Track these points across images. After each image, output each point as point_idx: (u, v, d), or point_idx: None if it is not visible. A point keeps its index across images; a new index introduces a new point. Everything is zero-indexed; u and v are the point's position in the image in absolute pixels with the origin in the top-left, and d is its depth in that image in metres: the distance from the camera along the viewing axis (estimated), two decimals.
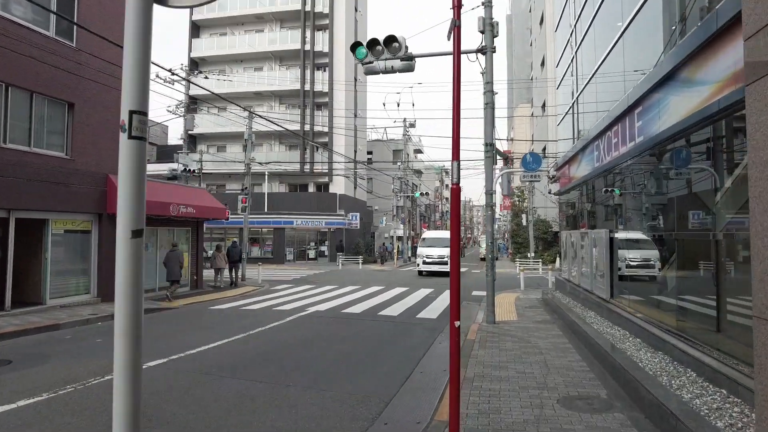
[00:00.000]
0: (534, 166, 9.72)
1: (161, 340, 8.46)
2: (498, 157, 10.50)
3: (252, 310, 12.20)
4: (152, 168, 36.10)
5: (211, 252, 19.26)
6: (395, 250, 36.75)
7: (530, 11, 45.09)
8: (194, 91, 34.60)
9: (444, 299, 14.63)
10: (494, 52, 10.31)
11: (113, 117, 13.42)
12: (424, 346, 8.11)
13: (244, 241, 20.97)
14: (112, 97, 13.27)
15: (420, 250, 24.37)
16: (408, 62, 10.48)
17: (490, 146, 10.09)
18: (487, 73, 10.30)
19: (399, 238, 41.09)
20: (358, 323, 10.35)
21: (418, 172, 64.72)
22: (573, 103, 12.53)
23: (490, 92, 10.23)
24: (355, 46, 9.54)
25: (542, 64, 36.00)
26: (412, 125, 38.29)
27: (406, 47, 10.12)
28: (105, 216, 13.19)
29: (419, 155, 66.43)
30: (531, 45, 44.11)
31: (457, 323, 3.76)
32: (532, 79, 42.54)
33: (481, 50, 10.34)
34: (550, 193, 24.48)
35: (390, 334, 9.19)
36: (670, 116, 6.06)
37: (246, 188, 20.69)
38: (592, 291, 10.15)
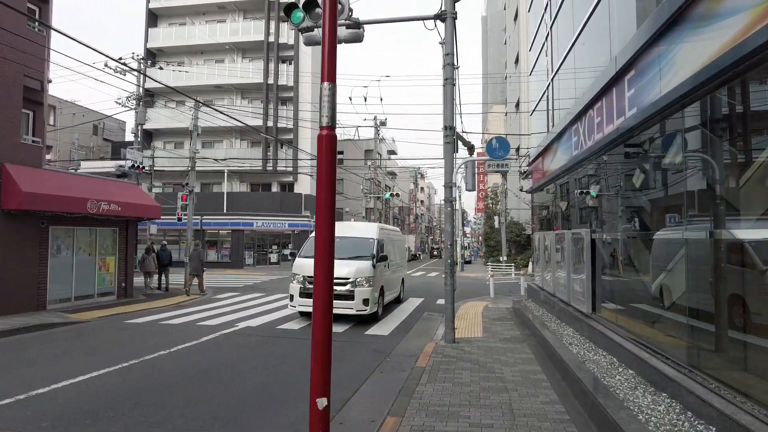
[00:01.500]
0: (501, 153, 8.08)
1: (20, 369, 6.49)
2: (461, 144, 8.84)
3: (172, 326, 10.24)
4: (98, 165, 33.61)
5: (141, 255, 17.15)
6: None
7: (505, 9, 44.10)
8: (151, 84, 32.27)
9: (405, 309, 12.91)
10: (455, 18, 8.67)
11: (5, 97, 11.31)
12: (360, 377, 6.34)
13: (188, 244, 18.84)
14: (4, 74, 11.17)
15: (298, 263, 10.88)
16: (355, 31, 8.78)
17: (449, 130, 8.41)
18: (447, 44, 8.64)
19: None
20: (289, 343, 8.52)
21: (392, 174, 63.16)
22: (548, 86, 10.99)
23: (450, 66, 8.56)
24: (290, 9, 7.77)
25: (516, 61, 34.82)
26: (383, 123, 36.62)
27: (351, 10, 8.42)
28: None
29: (393, 157, 64.89)
30: (505, 43, 43.06)
31: (321, 403, 2.00)
32: (506, 77, 41.43)
33: (439, 16, 8.68)
34: (521, 190, 23.04)
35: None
36: (678, 71, 4.46)
37: (187, 183, 18.61)
38: (569, 303, 8.56)
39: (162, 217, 16.13)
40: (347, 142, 42.22)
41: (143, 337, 8.98)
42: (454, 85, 8.50)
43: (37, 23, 12.67)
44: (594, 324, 7.06)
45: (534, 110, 13.14)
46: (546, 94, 11.26)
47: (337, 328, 9.82)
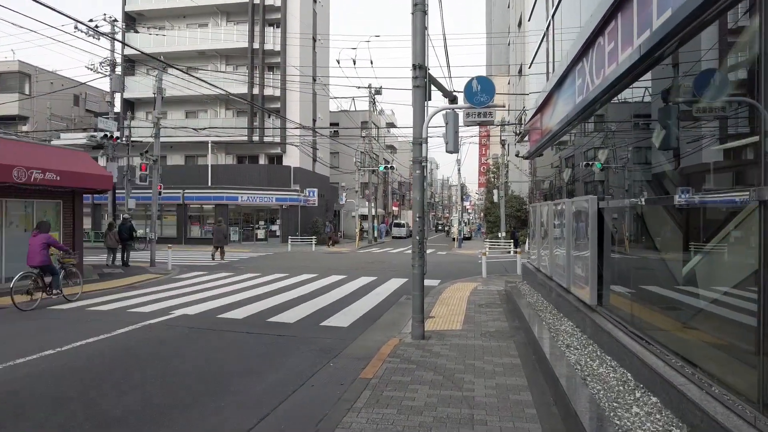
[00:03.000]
0: (483, 99, 6.24)
1: None
2: (434, 89, 7.01)
3: (96, 313, 8.65)
4: (80, 136, 31.78)
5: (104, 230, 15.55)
6: (356, 230, 33.33)
7: None
8: (130, 51, 30.20)
9: (381, 292, 11.28)
10: None
11: None
12: (281, 392, 4.69)
13: (153, 218, 17.22)
14: None
15: None
16: None
17: (419, 70, 6.57)
18: None
19: (364, 217, 37.64)
20: (222, 337, 6.89)
21: (391, 148, 60.94)
22: (547, 27, 9.05)
23: None
24: None
25: (519, 24, 32.38)
26: (378, 92, 34.46)
27: None
28: None
29: (393, 130, 62.59)
30: (509, 7, 40.40)
31: None
32: (509, 44, 38.94)
33: None
34: (517, 155, 21.10)
35: (257, 359, 5.77)
36: None
37: (147, 152, 16.88)
38: (569, 289, 6.85)
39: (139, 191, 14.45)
40: (341, 113, 40.11)
41: (47, 328, 7.39)
42: (425, 12, 6.61)
43: None
44: (599, 320, 5.36)
45: (532, 62, 11.17)
46: (545, 37, 9.31)
47: (290, 318, 8.20)
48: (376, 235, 37.62)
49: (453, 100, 7.81)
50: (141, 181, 16.87)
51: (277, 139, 32.16)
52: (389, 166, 37.74)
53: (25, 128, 33.11)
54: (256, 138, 31.79)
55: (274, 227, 31.40)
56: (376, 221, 38.08)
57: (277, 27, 32.15)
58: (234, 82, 31.70)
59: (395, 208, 59.02)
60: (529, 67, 11.61)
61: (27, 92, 33.57)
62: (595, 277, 5.73)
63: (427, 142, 6.63)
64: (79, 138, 29.69)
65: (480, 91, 6.23)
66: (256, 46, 31.73)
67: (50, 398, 4.48)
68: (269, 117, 31.89)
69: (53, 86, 33.63)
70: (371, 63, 39.17)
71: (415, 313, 6.64)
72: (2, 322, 7.94)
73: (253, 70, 31.70)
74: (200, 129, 28.78)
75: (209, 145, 30.68)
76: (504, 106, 33.90)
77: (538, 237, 9.84)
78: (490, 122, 7.05)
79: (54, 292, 9.81)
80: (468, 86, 6.32)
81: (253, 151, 33.35)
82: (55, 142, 29.78)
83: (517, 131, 10.72)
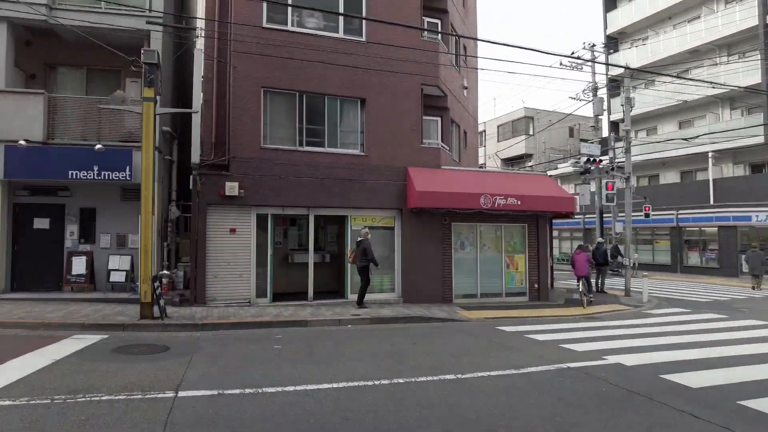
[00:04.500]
0: None
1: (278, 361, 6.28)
2: None
3: (527, 341, 8.07)
4: (563, 165, 33.71)
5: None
6: None
7: None
8: (615, 71, 29.96)
9: None
10: None
11: (407, 107, 12.34)
12: None
13: (626, 242, 15.46)
14: (404, 86, 12.22)
15: None
16: None
17: None
18: None
19: None
20: (650, 415, 4.69)
21: None
22: None
23: None
24: None
25: None
26: None
27: None
28: (405, 211, 12.19)
29: None
30: None
31: None
32: None
33: None
34: None
35: None
36: None
37: (613, 169, 15.29)
38: None
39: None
40: None
41: (473, 349, 7.35)
42: None
43: (439, 35, 13.47)
44: None
45: None
46: None
47: None
48: None
49: None
50: (607, 202, 15.59)
51: None
52: None
53: (529, 164, 38.35)
54: None
55: None
56: None
57: None
58: (738, 73, 25.45)
59: None
60: None
61: (530, 132, 38.90)
62: None
63: None
64: (567, 166, 31.41)
65: None
66: None
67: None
68: None
69: (551, 123, 37.49)
70: None
71: None
72: (444, 335, 8.58)
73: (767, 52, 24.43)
74: (692, 138, 24.50)
75: (709, 155, 25.68)
76: None
77: None
78: None
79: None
80: None
81: None
82: (551, 173, 32.82)
83: None
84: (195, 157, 10.65)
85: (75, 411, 4.30)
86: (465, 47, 16.20)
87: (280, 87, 11.45)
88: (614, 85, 31.87)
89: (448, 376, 5.78)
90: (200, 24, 11.02)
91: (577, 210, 17.44)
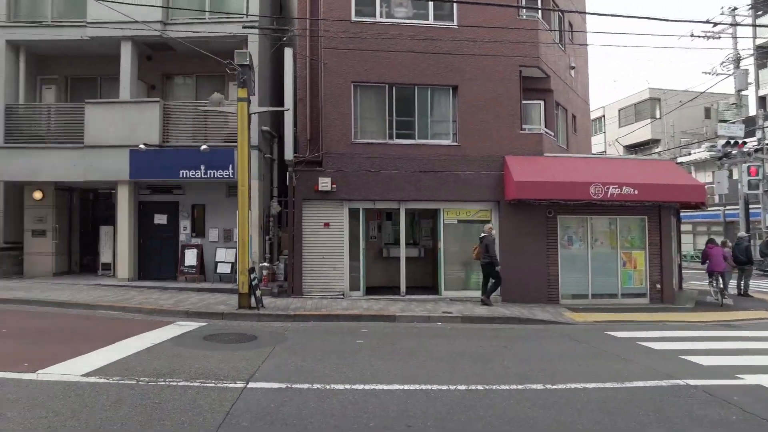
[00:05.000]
0: None
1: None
2: None
3: (641, 350, 7.00)
4: (697, 151, 29.51)
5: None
6: None
7: None
8: (763, 35, 25.57)
9: None
10: None
11: (503, 91, 11.53)
12: None
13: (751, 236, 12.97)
14: (499, 70, 11.43)
15: None
16: None
17: None
18: None
19: None
20: None
21: None
22: None
23: None
24: None
25: None
26: None
27: None
28: (503, 204, 11.42)
29: None
30: None
31: None
32: None
33: None
34: None
35: None
36: None
37: (756, 150, 12.85)
38: None
39: None
40: None
41: (571, 356, 6.53)
42: None
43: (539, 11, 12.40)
44: None
45: None
46: None
47: None
48: None
49: None
50: (750, 189, 13.18)
51: None
52: None
53: (657, 150, 34.34)
54: None
55: None
56: None
57: None
58: None
59: None
60: None
61: (657, 115, 34.80)
62: None
63: None
64: (701, 151, 27.59)
65: None
66: None
67: None
68: None
69: (681, 104, 33.16)
70: None
71: None
72: (552, 339, 7.79)
73: None
74: None
75: None
76: None
77: None
78: None
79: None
80: None
81: None
82: (681, 159, 29.06)
83: None
84: (288, 154, 10.98)
85: (152, 394, 4.50)
86: (571, 23, 14.77)
87: (370, 80, 11.36)
88: (763, 53, 27.21)
89: (535, 386, 5.13)
90: (293, 24, 11.32)
91: (715, 200, 15.07)
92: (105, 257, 12.52)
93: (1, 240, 12.18)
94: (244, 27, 10.65)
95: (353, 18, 11.31)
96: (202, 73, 12.59)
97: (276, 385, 4.88)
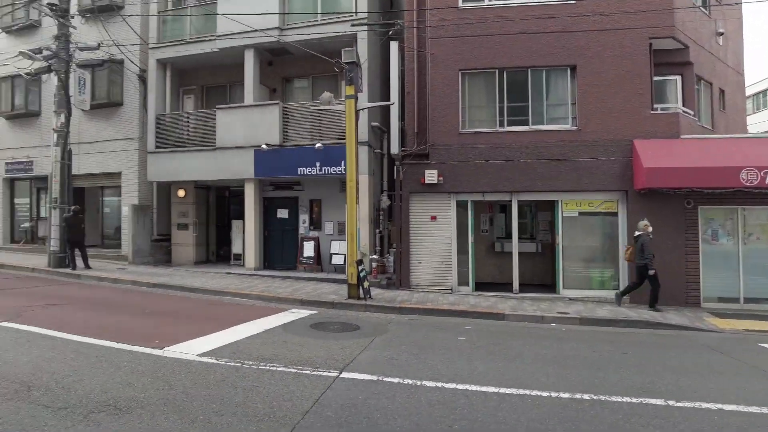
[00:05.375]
0: None
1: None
2: None
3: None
4: None
5: None
6: None
7: None
8: None
9: None
10: None
11: (629, 67, 10.29)
12: None
13: None
14: (625, 44, 10.24)
15: None
16: None
17: None
18: None
19: None
20: None
21: None
22: None
23: None
24: None
25: None
26: None
27: None
28: (632, 193, 10.24)
29: None
30: None
31: None
32: None
33: None
34: None
35: None
36: None
37: None
38: None
39: None
40: None
41: (707, 369, 5.57)
42: None
43: None
44: None
45: None
46: None
47: None
48: None
49: None
50: None
51: None
52: None
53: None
54: None
55: None
56: None
57: None
58: None
59: None
60: None
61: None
62: None
63: None
64: None
65: None
66: None
67: None
68: None
69: None
70: None
71: None
72: (690, 350, 6.78)
73: None
74: None
75: None
76: None
77: None
78: None
79: None
80: None
81: None
82: None
83: None
84: (394, 148, 11.03)
85: (253, 377, 4.78)
86: None
87: (478, 67, 10.92)
88: None
89: (654, 401, 4.46)
90: (400, 17, 11.32)
91: None
92: (236, 248, 13.81)
93: (155, 232, 14.12)
94: (353, 25, 10.92)
95: (460, 5, 10.96)
96: (318, 74, 13.20)
97: (367, 377, 4.90)
